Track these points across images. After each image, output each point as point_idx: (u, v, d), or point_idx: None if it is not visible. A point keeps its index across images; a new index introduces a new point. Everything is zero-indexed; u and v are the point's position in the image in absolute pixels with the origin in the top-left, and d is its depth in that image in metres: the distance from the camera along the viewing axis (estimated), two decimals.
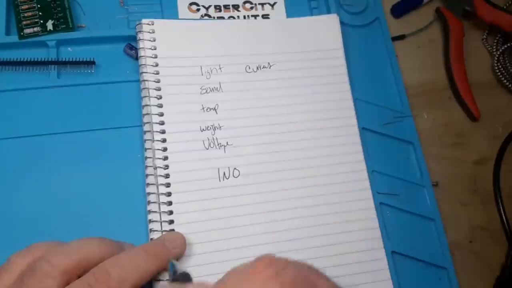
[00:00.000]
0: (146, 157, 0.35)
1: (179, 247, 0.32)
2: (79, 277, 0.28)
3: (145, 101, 0.37)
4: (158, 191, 0.34)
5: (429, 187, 0.40)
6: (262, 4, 0.44)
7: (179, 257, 0.33)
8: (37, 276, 0.27)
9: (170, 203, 0.34)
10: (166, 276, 0.32)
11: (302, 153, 0.38)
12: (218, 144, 0.37)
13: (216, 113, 0.38)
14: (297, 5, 0.45)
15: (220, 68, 0.39)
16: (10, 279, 0.27)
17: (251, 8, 0.44)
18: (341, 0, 0.45)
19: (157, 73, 0.37)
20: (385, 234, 0.37)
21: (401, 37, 0.46)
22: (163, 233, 0.33)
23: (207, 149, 0.37)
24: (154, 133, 0.36)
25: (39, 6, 0.40)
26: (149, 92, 0.37)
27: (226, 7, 0.43)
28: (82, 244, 0.29)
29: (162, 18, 0.41)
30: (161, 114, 0.36)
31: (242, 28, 0.41)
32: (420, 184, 0.40)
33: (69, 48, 0.40)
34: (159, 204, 0.34)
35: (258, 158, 0.37)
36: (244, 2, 0.44)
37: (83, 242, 0.30)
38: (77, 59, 0.38)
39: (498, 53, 0.46)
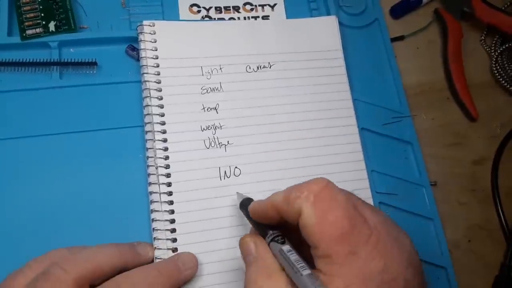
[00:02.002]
0: (148, 157, 0.36)
1: (191, 268, 0.32)
2: (90, 284, 0.28)
3: (146, 102, 0.37)
4: (159, 190, 0.35)
5: (427, 187, 0.40)
6: (262, 6, 0.44)
7: (190, 278, 0.33)
8: (50, 281, 0.27)
9: (171, 203, 0.35)
10: None
11: (301, 153, 0.38)
12: (218, 144, 0.37)
13: (217, 112, 0.38)
14: (297, 6, 0.45)
15: (220, 68, 0.39)
16: (24, 282, 0.28)
17: (252, 9, 0.44)
18: (340, 1, 0.45)
19: (158, 73, 0.38)
20: None
21: (400, 38, 0.47)
22: (166, 232, 0.34)
23: (208, 148, 0.37)
24: (155, 133, 0.36)
25: (41, 7, 0.40)
26: (150, 93, 0.37)
27: (227, 8, 0.44)
28: (95, 252, 0.30)
29: (163, 19, 0.41)
30: (162, 115, 0.37)
31: (243, 28, 0.41)
32: (418, 184, 0.40)
33: (71, 49, 0.40)
34: (161, 203, 0.34)
35: (258, 157, 0.37)
36: (245, 4, 0.44)
37: (97, 249, 0.30)
38: (79, 60, 0.39)
39: (497, 53, 0.47)
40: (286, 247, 0.26)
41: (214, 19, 0.43)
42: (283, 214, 0.26)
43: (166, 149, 0.36)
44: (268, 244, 0.27)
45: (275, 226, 0.28)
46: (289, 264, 0.24)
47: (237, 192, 0.34)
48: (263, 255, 0.26)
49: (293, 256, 0.25)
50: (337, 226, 0.23)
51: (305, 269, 0.24)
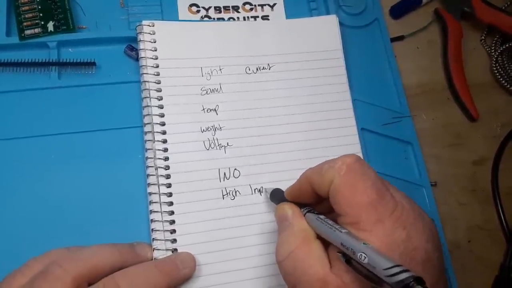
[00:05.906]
0: (147, 158, 0.36)
1: (189, 267, 0.32)
2: (89, 283, 0.28)
3: (145, 102, 0.37)
4: (159, 191, 0.35)
5: (427, 187, 0.40)
6: (262, 5, 0.44)
7: (188, 277, 0.33)
8: (48, 279, 0.27)
9: (171, 204, 0.34)
10: None
11: (301, 154, 0.38)
12: (218, 145, 0.37)
13: (217, 114, 0.38)
14: (296, 6, 0.45)
15: (220, 69, 0.39)
16: (23, 281, 0.28)
17: (251, 9, 0.44)
18: (340, 1, 0.45)
19: (158, 74, 0.38)
20: None
21: (400, 38, 0.46)
22: (165, 233, 0.34)
23: (208, 149, 0.37)
24: (155, 133, 0.36)
25: (40, 7, 0.40)
26: (149, 93, 0.37)
27: (226, 8, 0.44)
28: (95, 251, 0.30)
29: (162, 19, 0.41)
30: (162, 115, 0.37)
31: (242, 29, 0.41)
32: (419, 184, 0.40)
33: (69, 49, 0.40)
34: (160, 204, 0.34)
35: (257, 159, 0.37)
36: (244, 3, 0.44)
37: (96, 249, 0.30)
38: (78, 60, 0.39)
39: (497, 53, 0.47)
40: (322, 216, 0.27)
41: (214, 19, 0.43)
42: (315, 185, 0.27)
43: (166, 150, 0.36)
44: (304, 215, 0.29)
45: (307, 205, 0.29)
46: (327, 226, 0.26)
47: (264, 188, 0.36)
48: (299, 221, 0.28)
49: (330, 221, 0.26)
50: (366, 194, 0.25)
51: (343, 228, 0.25)
